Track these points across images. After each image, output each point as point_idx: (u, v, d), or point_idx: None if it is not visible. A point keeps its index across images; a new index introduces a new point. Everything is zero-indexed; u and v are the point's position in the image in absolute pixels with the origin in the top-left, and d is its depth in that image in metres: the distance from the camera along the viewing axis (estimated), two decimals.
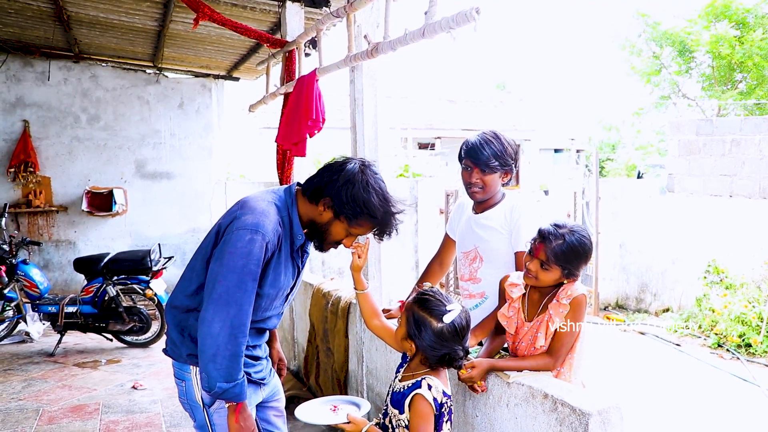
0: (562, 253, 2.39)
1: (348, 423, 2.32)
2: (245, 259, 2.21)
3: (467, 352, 2.25)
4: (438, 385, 2.18)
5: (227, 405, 2.31)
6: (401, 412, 2.21)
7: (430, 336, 2.16)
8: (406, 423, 2.19)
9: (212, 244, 2.35)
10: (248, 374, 2.42)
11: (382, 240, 2.45)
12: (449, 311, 2.16)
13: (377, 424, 2.34)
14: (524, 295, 2.60)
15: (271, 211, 2.33)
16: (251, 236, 2.23)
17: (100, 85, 8.66)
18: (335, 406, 2.50)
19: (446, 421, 2.20)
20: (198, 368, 2.32)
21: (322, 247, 2.48)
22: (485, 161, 2.82)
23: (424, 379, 2.20)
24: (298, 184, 2.48)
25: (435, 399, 2.15)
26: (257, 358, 2.52)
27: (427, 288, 2.29)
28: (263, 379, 2.55)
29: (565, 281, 2.50)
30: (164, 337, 7.21)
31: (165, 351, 2.50)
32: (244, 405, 2.31)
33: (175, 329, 2.42)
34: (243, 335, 2.24)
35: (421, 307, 2.20)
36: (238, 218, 2.28)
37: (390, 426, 2.28)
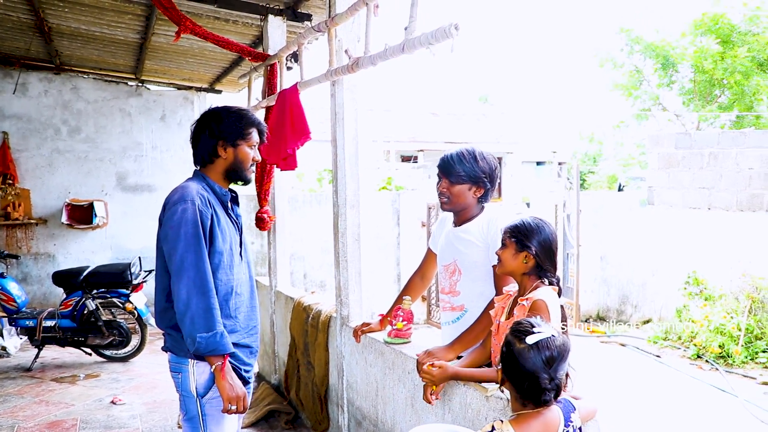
0: (515, 227, 2.52)
1: None
2: (184, 227, 2.50)
3: (558, 388, 2.01)
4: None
5: (213, 367, 2.50)
6: None
7: (513, 360, 1.99)
8: None
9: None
10: (238, 369, 2.64)
11: (262, 139, 2.78)
12: (536, 332, 2.00)
13: None
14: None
15: (190, 184, 2.64)
16: (182, 206, 2.52)
17: (81, 97, 8.62)
18: None
19: None
20: (195, 361, 2.57)
21: (246, 177, 2.77)
22: (454, 172, 2.89)
23: (495, 422, 2.02)
24: (195, 172, 2.79)
25: None
26: (248, 361, 2.76)
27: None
28: (250, 378, 2.80)
29: (527, 263, 2.49)
30: (144, 351, 7.09)
31: (164, 348, 2.71)
32: (229, 367, 2.53)
33: (173, 329, 2.60)
34: (209, 290, 2.49)
35: (512, 329, 2.08)
36: (167, 203, 2.60)
37: None
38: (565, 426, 2.02)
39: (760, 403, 6.16)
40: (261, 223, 5.26)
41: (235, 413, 2.60)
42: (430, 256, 3.36)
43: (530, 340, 1.98)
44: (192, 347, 2.47)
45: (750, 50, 17.26)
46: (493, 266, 2.72)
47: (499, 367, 2.08)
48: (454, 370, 2.60)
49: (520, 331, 2.03)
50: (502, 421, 2.01)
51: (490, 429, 1.99)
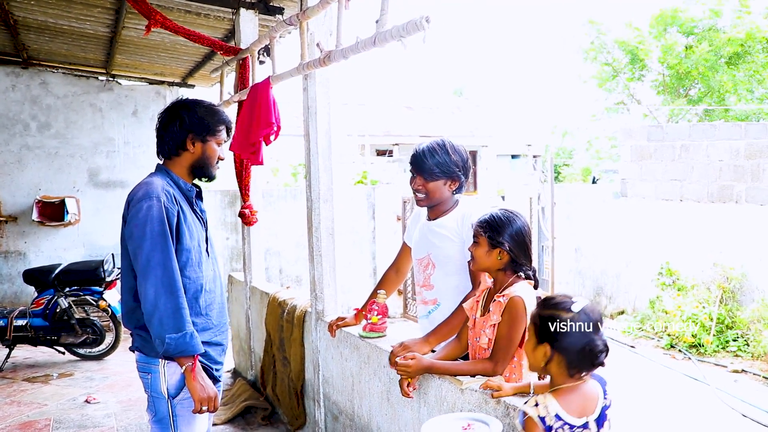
0: (485, 221, 2.52)
1: None
2: (150, 225, 2.43)
3: (607, 348, 2.01)
4: (550, 404, 1.94)
5: (184, 368, 2.45)
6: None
7: (565, 331, 1.95)
8: None
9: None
10: (210, 369, 2.62)
11: (229, 137, 2.78)
12: (575, 301, 1.99)
13: None
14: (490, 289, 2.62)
15: (154, 180, 2.60)
16: (147, 204, 2.46)
17: (50, 92, 8.47)
18: (469, 424, 2.28)
19: None
20: (166, 361, 2.51)
21: (211, 174, 2.75)
22: (428, 169, 2.87)
23: (537, 396, 1.99)
24: (158, 166, 2.77)
25: (542, 418, 1.93)
26: (220, 360, 2.73)
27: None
28: (221, 377, 2.77)
29: (501, 260, 2.49)
30: (119, 349, 6.99)
31: (132, 348, 2.65)
32: (200, 367, 2.48)
33: (141, 329, 2.54)
34: (177, 289, 2.43)
35: (546, 306, 2.04)
36: (131, 200, 2.54)
37: None
38: (603, 398, 2.04)
39: (730, 390, 6.27)
40: (244, 218, 5.22)
41: (206, 413, 2.57)
42: (405, 250, 3.36)
43: (576, 307, 1.97)
44: (161, 348, 2.41)
45: (711, 45, 17.48)
46: (468, 261, 2.71)
47: (538, 345, 2.01)
48: (429, 362, 2.59)
49: (557, 303, 2.01)
50: (544, 396, 1.98)
51: (534, 404, 1.96)
